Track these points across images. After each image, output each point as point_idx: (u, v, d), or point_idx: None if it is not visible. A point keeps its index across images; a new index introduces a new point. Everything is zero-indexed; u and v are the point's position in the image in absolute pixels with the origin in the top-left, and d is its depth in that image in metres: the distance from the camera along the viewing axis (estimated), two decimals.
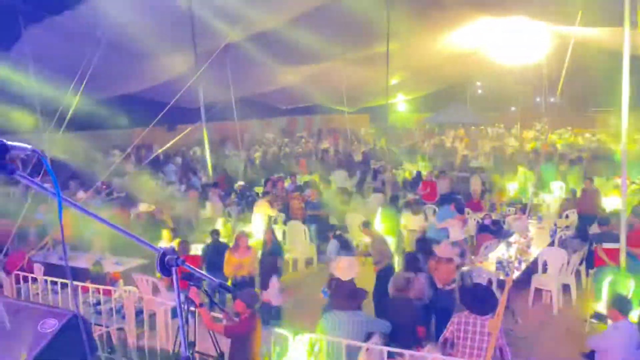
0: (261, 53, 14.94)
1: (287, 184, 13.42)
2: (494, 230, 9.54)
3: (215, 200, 11.69)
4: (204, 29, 11.54)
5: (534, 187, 8.79)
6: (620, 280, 6.65)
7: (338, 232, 8.25)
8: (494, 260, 7.91)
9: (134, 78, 15.45)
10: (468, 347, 4.90)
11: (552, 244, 9.13)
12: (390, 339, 5.34)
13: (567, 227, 10.29)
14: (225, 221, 10.49)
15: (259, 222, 10.09)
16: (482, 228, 9.74)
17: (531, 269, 8.20)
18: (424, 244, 7.59)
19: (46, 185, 1.54)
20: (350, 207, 11.78)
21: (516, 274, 7.39)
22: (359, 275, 6.13)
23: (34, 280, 6.96)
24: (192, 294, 4.50)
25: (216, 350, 4.97)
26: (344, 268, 6.11)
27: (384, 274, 7.23)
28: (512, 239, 8.89)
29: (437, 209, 11.19)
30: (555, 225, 9.79)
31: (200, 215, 11.44)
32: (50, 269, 7.93)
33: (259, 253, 7.98)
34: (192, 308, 4.59)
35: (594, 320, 7.11)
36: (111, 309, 6.39)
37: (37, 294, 6.88)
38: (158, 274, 7.65)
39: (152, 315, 6.46)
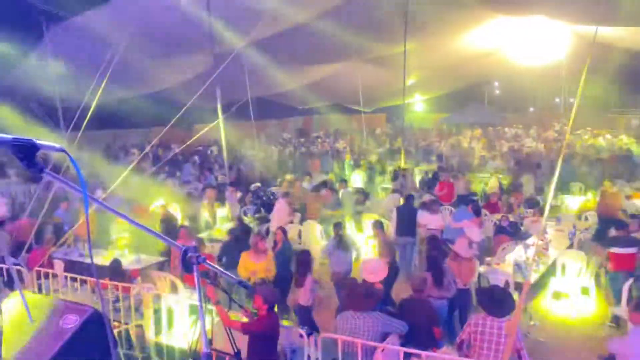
0: (278, 53, 15.00)
1: (304, 183, 13.45)
2: (512, 232, 9.45)
3: (232, 200, 11.77)
4: (223, 30, 11.62)
5: (552, 189, 8.66)
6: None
7: (340, 231, 8.24)
8: (511, 262, 7.84)
9: (152, 78, 15.63)
10: (485, 349, 4.86)
11: (570, 246, 9.02)
12: (407, 339, 5.33)
13: (586, 229, 10.16)
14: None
15: (278, 222, 10.14)
16: (499, 229, 9.65)
17: (549, 271, 8.11)
18: (435, 243, 7.62)
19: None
20: (365, 207, 11.76)
21: (534, 276, 7.32)
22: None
23: (55, 276, 7.08)
24: (209, 292, 4.53)
25: (233, 348, 5.01)
26: (371, 270, 6.12)
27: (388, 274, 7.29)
28: (529, 241, 8.79)
29: (453, 210, 11.12)
30: (574, 227, 9.66)
31: (216, 214, 11.52)
32: (70, 266, 8.08)
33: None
34: (209, 306, 4.64)
35: (612, 324, 7.01)
36: (129, 306, 6.46)
37: (57, 289, 6.99)
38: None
39: (170, 313, 6.52)
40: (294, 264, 7.31)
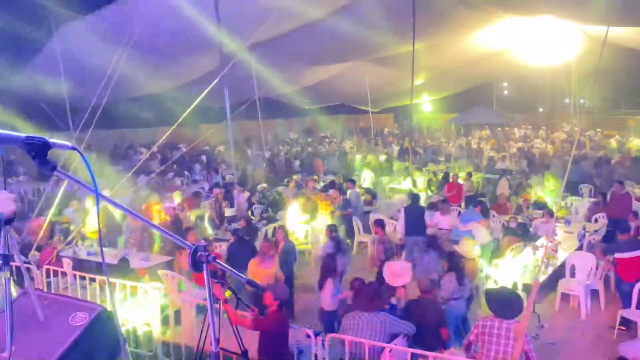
0: (286, 53, 15.01)
1: (315, 184, 13.48)
2: (520, 233, 9.39)
3: (240, 199, 11.80)
4: (230, 29, 11.64)
5: (562, 190, 8.64)
6: None
7: (334, 234, 8.25)
8: (520, 263, 7.80)
9: (161, 77, 15.68)
10: (493, 351, 4.84)
11: (580, 248, 8.95)
12: (414, 340, 5.32)
13: (596, 231, 10.08)
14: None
15: (291, 222, 10.21)
16: (508, 231, 9.60)
17: (558, 273, 8.05)
18: (434, 242, 7.81)
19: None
20: (374, 207, 11.74)
21: (542, 278, 7.27)
22: None
23: (63, 274, 7.12)
24: (217, 291, 4.52)
25: (240, 347, 5.01)
26: (396, 273, 6.11)
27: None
28: (538, 243, 8.74)
29: (461, 211, 11.09)
30: (584, 229, 9.59)
31: (224, 214, 11.55)
32: (79, 264, 8.13)
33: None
34: (216, 305, 4.64)
35: (622, 327, 6.95)
36: (137, 304, 6.49)
37: (66, 287, 7.03)
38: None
39: (177, 312, 6.55)
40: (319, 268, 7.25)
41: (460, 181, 13.30)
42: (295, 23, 13.11)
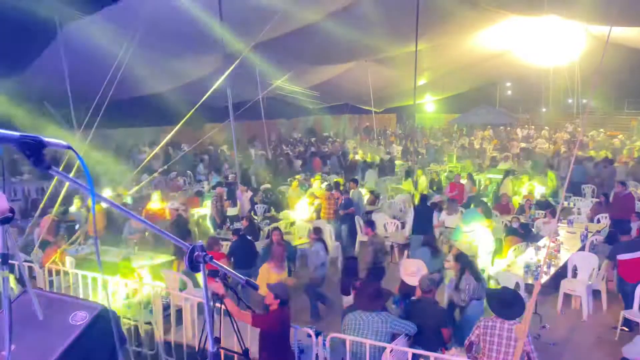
0: (289, 53, 15.00)
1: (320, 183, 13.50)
2: (523, 234, 9.38)
3: (243, 199, 11.81)
4: (233, 30, 11.64)
5: (564, 190, 8.63)
6: None
7: (320, 236, 8.32)
8: (522, 264, 7.78)
9: (164, 77, 15.70)
10: (494, 352, 4.83)
11: (582, 248, 8.93)
12: (415, 341, 5.31)
13: (598, 231, 10.05)
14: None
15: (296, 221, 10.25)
16: (510, 231, 9.59)
17: (560, 274, 8.03)
18: (431, 241, 8.00)
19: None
20: (377, 207, 11.74)
21: (545, 279, 7.25)
22: None
23: (66, 273, 7.13)
24: (216, 287, 4.47)
25: (241, 346, 5.01)
26: (411, 272, 6.11)
27: (375, 272, 7.55)
28: (541, 243, 8.72)
29: (463, 211, 11.07)
30: (586, 229, 9.57)
31: (226, 213, 11.57)
32: (82, 263, 8.14)
33: None
34: (217, 304, 4.64)
35: (624, 328, 6.93)
36: (139, 303, 6.50)
37: (69, 286, 7.04)
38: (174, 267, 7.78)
39: (179, 311, 6.55)
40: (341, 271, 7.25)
41: (462, 181, 13.27)
42: (299, 23, 13.10)
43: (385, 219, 11.23)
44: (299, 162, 18.81)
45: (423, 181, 14.62)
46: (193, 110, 8.70)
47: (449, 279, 7.01)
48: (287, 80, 17.11)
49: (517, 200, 12.27)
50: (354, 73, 20.09)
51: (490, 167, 17.41)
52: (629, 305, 6.96)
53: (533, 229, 9.98)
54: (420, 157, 20.37)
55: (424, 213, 9.84)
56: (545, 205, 11.36)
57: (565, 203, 12.22)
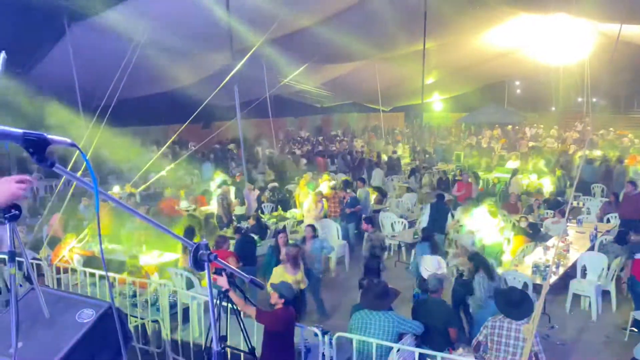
0: (296, 52, 14.98)
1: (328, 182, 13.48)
2: (531, 233, 9.31)
3: (250, 198, 11.82)
4: (241, 28, 11.65)
5: (573, 190, 8.56)
6: None
7: (315, 233, 8.37)
8: (530, 263, 7.73)
9: (171, 76, 15.74)
10: (502, 352, 4.80)
11: (591, 248, 8.85)
12: (422, 340, 5.29)
13: (608, 231, 9.96)
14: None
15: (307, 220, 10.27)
16: (518, 230, 9.52)
17: (569, 274, 7.97)
18: (430, 235, 8.15)
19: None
20: (384, 206, 11.70)
21: (553, 279, 7.20)
22: None
23: (74, 271, 7.17)
24: (221, 281, 4.43)
25: (247, 345, 5.01)
26: (432, 268, 6.10)
27: (372, 268, 7.38)
28: (549, 243, 8.66)
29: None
30: (595, 229, 9.49)
31: (233, 211, 11.58)
32: (89, 261, 8.17)
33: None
34: (224, 303, 4.64)
35: (634, 329, 6.86)
36: (146, 301, 6.51)
37: (76, 284, 7.07)
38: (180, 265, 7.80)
39: (186, 309, 6.57)
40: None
41: (470, 180, 13.20)
42: (307, 21, 13.08)
43: (393, 218, 11.19)
44: (303, 161, 18.80)
45: None
46: (200, 108, 8.71)
47: (454, 276, 7.00)
48: (295, 78, 17.10)
49: (526, 199, 12.18)
50: (361, 71, 20.05)
51: (498, 166, 17.31)
52: (639, 306, 6.89)
53: (542, 229, 9.90)
54: (427, 156, 20.30)
55: (440, 211, 9.86)
56: (554, 205, 11.27)
57: (574, 202, 12.12)
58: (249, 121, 18.48)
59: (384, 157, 19.43)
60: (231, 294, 4.69)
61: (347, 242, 10.22)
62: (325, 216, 11.10)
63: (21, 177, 1.64)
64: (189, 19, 11.42)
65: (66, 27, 11.75)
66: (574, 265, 8.02)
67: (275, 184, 14.26)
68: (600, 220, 10.90)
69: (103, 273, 6.73)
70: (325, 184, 12.78)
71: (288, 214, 11.75)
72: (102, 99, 9.57)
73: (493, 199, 11.68)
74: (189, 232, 8.54)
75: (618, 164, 15.12)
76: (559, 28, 15.82)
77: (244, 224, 10.12)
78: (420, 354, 4.76)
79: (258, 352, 5.13)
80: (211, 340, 4.82)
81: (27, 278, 5.96)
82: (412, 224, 11.01)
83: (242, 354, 5.43)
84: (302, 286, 6.91)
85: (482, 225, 8.75)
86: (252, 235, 8.99)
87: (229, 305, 4.75)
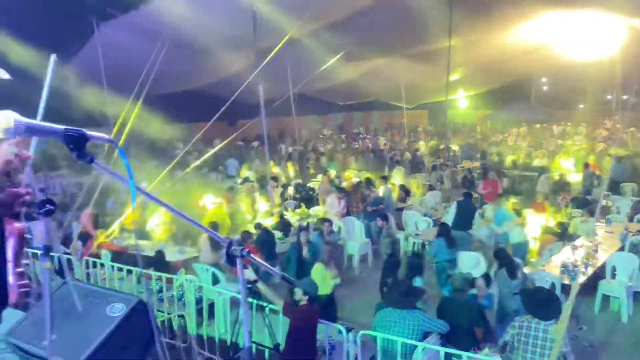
0: (320, 49, 14.98)
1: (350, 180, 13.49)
2: (559, 233, 9.14)
3: (274, 195, 11.87)
4: (265, 27, 11.70)
5: (604, 189, 8.38)
6: None
7: (332, 229, 8.60)
8: (558, 263, 7.59)
9: (196, 74, 15.91)
10: (529, 353, 4.73)
11: (622, 248, 8.65)
12: (447, 339, 5.24)
13: (638, 231, 9.72)
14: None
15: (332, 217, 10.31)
16: (545, 230, 9.37)
17: (598, 275, 7.80)
18: (446, 230, 8.23)
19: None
20: (407, 204, 11.63)
21: (582, 279, 7.06)
22: None
23: (102, 265, 7.31)
24: (247, 274, 4.51)
25: (272, 340, 5.05)
26: (472, 264, 6.09)
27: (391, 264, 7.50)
28: (578, 242, 8.49)
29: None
30: (626, 229, 9.26)
31: (257, 209, 11.66)
32: (116, 256, 8.33)
33: None
34: (249, 299, 4.69)
35: None
36: (172, 296, 6.60)
37: (104, 279, 7.21)
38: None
39: (211, 305, 6.64)
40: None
41: (496, 179, 13.03)
42: (329, 19, 13.07)
43: (417, 217, 11.11)
44: (324, 159, 18.82)
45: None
46: (225, 107, 8.78)
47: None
48: (318, 76, 17.09)
49: (553, 198, 11.96)
50: (385, 69, 19.93)
51: (525, 164, 17.05)
52: None
53: (570, 228, 9.71)
54: (452, 154, 20.10)
55: (467, 209, 9.77)
56: (582, 204, 11.05)
57: (604, 201, 11.86)
58: (273, 119, 18.56)
59: (408, 155, 19.31)
60: (260, 285, 4.76)
61: (370, 240, 10.19)
62: (349, 213, 11.09)
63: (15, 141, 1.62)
64: (214, 16, 11.51)
65: (95, 27, 11.99)
66: (603, 266, 7.85)
67: (299, 181, 14.30)
68: (631, 219, 10.64)
69: (130, 268, 6.87)
70: (346, 183, 12.80)
71: (311, 211, 11.77)
72: (129, 97, 9.70)
73: (519, 197, 11.49)
74: (212, 228, 8.63)
75: None
76: (588, 23, 15.49)
77: (267, 221, 10.19)
78: (446, 353, 4.72)
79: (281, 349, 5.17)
80: (237, 336, 4.87)
81: (59, 272, 6.10)
82: (436, 222, 10.91)
83: (266, 350, 5.48)
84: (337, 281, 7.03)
85: (508, 224, 8.65)
86: (275, 231, 9.06)
87: (255, 301, 4.81)
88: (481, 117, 31.66)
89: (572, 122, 28.83)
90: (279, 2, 11.24)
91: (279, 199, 12.34)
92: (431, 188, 13.94)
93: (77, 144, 1.29)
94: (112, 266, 7.11)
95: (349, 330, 5.22)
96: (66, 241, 8.55)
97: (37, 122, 1.28)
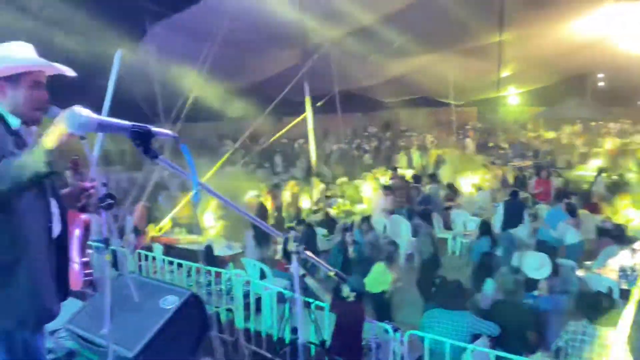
0: (367, 45, 14.89)
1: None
2: (616, 235, 8.73)
3: (317, 192, 11.93)
4: (311, 25, 11.72)
5: None
6: None
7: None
8: (615, 267, 7.26)
9: (245, 72, 16.11)
10: (584, 359, 4.55)
11: None
12: (498, 343, 5.11)
13: None
14: None
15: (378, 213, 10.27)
16: (602, 232, 8.99)
17: None
18: (485, 227, 8.28)
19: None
20: (456, 203, 11.43)
21: None
22: None
23: (154, 259, 7.51)
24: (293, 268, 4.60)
25: (318, 337, 5.06)
26: (536, 266, 5.99)
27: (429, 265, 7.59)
28: (637, 246, 8.10)
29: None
30: None
31: (301, 205, 11.74)
32: (167, 250, 8.56)
33: None
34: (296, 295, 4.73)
35: None
36: (221, 290, 6.71)
37: (155, 272, 7.41)
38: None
39: (258, 299, 6.71)
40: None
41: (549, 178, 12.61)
42: (375, 15, 12.94)
43: (466, 217, 10.88)
44: (366, 156, 18.73)
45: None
46: (274, 103, 8.88)
47: None
48: (365, 73, 17.01)
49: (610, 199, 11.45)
50: (433, 65, 19.59)
51: (579, 164, 16.41)
52: None
53: (628, 231, 9.27)
54: (503, 151, 19.59)
55: (515, 208, 9.55)
56: None
57: None
58: (318, 116, 18.59)
59: (456, 153, 18.94)
60: (308, 279, 4.79)
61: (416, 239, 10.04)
62: (395, 211, 10.98)
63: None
64: (262, 14, 11.62)
65: (147, 28, 12.33)
66: None
67: (344, 179, 14.30)
68: None
69: (181, 261, 7.04)
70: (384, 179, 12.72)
71: (356, 209, 11.74)
72: (180, 96, 9.95)
73: (574, 197, 11.06)
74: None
75: None
76: None
77: (312, 217, 10.23)
78: (497, 357, 4.61)
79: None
80: (283, 331, 4.91)
81: (114, 264, 6.32)
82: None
83: (312, 346, 5.50)
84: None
85: (562, 225, 8.36)
86: (320, 228, 9.09)
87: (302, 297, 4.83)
88: (533, 115, 30.66)
89: (632, 119, 27.51)
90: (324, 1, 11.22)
91: (323, 196, 12.37)
92: (479, 187, 13.62)
93: (143, 140, 1.32)
94: (163, 259, 7.30)
95: (395, 330, 5.17)
96: (119, 234, 8.85)
97: (107, 118, 1.32)
